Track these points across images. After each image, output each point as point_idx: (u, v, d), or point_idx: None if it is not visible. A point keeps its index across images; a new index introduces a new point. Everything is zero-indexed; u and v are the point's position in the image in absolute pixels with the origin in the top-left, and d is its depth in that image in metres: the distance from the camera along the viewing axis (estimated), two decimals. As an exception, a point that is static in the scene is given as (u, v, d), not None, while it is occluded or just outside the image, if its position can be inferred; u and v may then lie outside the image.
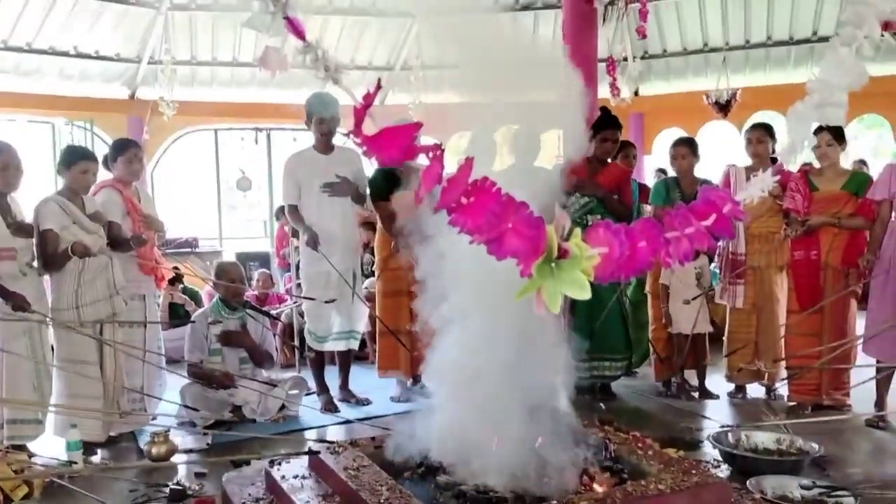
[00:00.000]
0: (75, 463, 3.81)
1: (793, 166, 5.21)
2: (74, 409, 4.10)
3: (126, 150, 4.67)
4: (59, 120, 9.70)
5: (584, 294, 1.71)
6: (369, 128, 1.86)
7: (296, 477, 2.96)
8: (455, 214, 1.75)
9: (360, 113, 1.86)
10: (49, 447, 4.17)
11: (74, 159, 4.31)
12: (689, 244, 1.94)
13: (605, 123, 5.17)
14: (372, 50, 10.43)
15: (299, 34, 2.10)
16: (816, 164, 4.91)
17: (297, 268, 5.69)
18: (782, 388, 5.16)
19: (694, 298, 4.89)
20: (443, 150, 1.75)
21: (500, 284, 2.19)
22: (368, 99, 1.87)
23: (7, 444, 3.94)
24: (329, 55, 2.04)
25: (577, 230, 1.73)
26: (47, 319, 4.10)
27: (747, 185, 2.05)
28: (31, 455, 4.06)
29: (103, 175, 4.72)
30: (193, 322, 5.06)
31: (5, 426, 4.01)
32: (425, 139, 2.75)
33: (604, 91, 8.68)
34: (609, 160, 5.32)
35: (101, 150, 5.27)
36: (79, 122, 9.53)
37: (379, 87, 1.88)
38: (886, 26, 1.96)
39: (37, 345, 4.14)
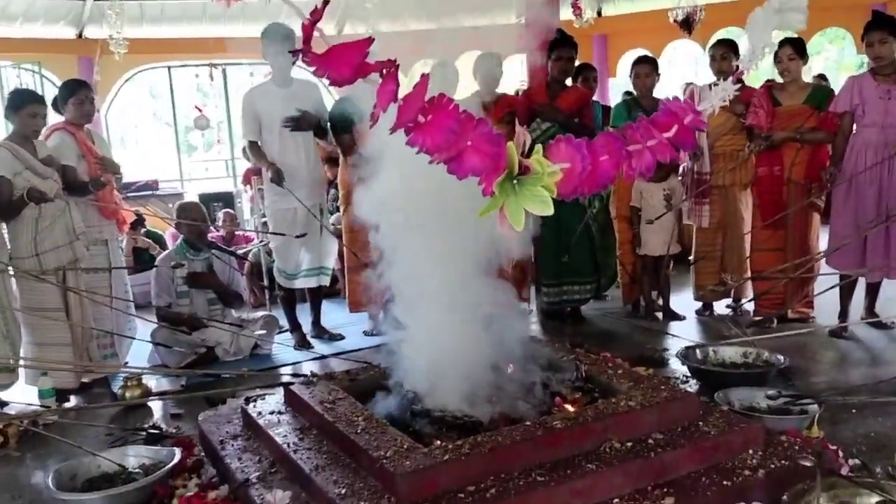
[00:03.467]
0: (48, 407, 3.80)
1: (754, 79, 5.22)
2: (45, 361, 4.06)
3: (76, 92, 4.52)
4: (4, 63, 9.32)
5: (547, 210, 1.70)
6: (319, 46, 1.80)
7: (272, 413, 2.98)
8: (413, 134, 1.71)
9: (308, 29, 1.79)
10: (21, 396, 4.14)
11: (22, 103, 4.16)
12: (651, 156, 1.92)
13: (558, 42, 5.18)
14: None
15: None
16: (779, 80, 4.90)
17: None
18: (748, 304, 5.27)
19: (657, 218, 4.93)
20: (397, 67, 1.70)
21: (458, 203, 2.17)
22: (316, 15, 1.80)
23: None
24: None
25: (539, 146, 1.70)
26: (8, 269, 4.02)
27: (709, 95, 2.03)
28: (3, 404, 4.04)
29: (55, 119, 4.58)
30: (157, 266, 4.99)
31: (-24, 377, 3.98)
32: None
33: (567, 13, 8.53)
34: (568, 82, 5.29)
35: (50, 94, 5.09)
36: (26, 64, 9.16)
37: (326, 2, 1.81)
38: None
39: (2, 293, 4.07)
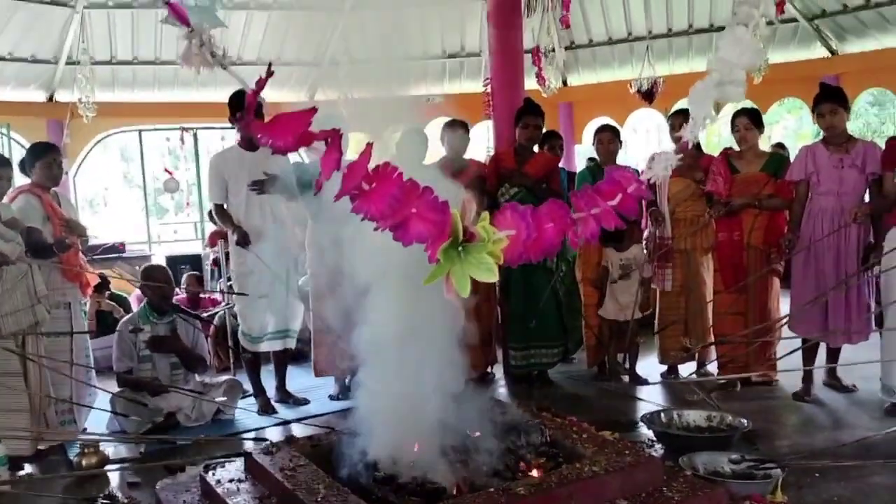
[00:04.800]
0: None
1: (714, 149, 5.38)
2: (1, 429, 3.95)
3: (44, 155, 4.52)
4: (-28, 125, 9.28)
5: (491, 277, 1.73)
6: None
7: (231, 481, 2.92)
8: (357, 201, 1.74)
9: (252, 98, 1.84)
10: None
11: (-14, 165, 4.14)
12: (595, 223, 1.97)
13: (525, 110, 5.35)
14: (299, 45, 10.28)
15: (182, 20, 2.05)
16: (737, 148, 5.06)
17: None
18: (712, 367, 5.31)
19: (612, 282, 5.05)
20: (340, 136, 1.73)
21: (408, 271, 2.20)
22: (260, 84, 1.84)
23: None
24: (214, 41, 1.99)
25: (486, 214, 1.74)
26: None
27: (651, 164, 2.09)
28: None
29: (22, 181, 4.56)
30: (119, 330, 4.92)
31: (-73, 445, 3.84)
32: (356, 136, 2.73)
33: (532, 83, 8.74)
34: (536, 149, 5.42)
35: (18, 156, 5.07)
36: (-6, 126, 9.14)
37: (270, 73, 1.85)
38: (780, 7, 2.02)
39: (-42, 358, 3.98)
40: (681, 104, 8.69)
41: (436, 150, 5.52)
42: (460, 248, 1.70)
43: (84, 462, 3.86)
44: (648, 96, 9.34)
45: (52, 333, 4.35)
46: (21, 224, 4.21)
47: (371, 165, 1.71)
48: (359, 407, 2.87)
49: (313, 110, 1.77)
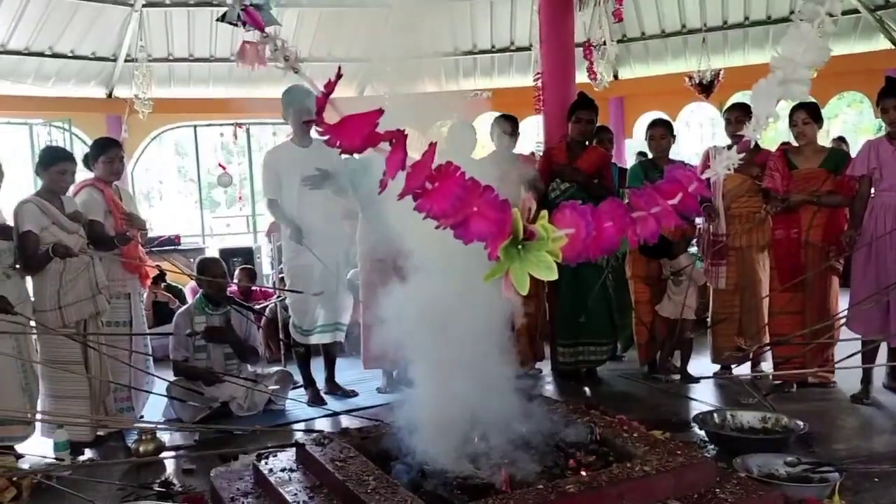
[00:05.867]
0: (62, 460, 3.80)
1: (770, 144, 5.26)
2: (61, 415, 4.08)
3: (107, 150, 4.66)
4: (36, 121, 9.59)
5: (551, 275, 1.72)
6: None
7: (283, 470, 2.96)
8: (420, 200, 1.75)
9: (322, 101, 1.86)
10: (37, 448, 4.15)
11: (52, 160, 4.28)
12: (655, 223, 1.95)
13: (579, 105, 5.31)
14: (350, 41, 10.37)
15: (257, 25, 2.09)
16: (795, 143, 4.94)
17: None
18: (767, 367, 5.21)
19: (663, 279, 4.98)
20: (405, 137, 1.75)
21: (469, 262, 2.20)
22: (329, 87, 1.87)
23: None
24: (288, 45, 2.03)
25: (545, 212, 1.73)
26: (30, 324, 4.09)
27: (713, 163, 2.05)
28: (18, 456, 4.05)
29: (84, 175, 4.70)
30: (176, 320, 5.04)
31: (-6, 428, 4.00)
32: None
33: (583, 77, 8.68)
34: (588, 143, 5.38)
35: (79, 151, 5.23)
36: (56, 122, 9.43)
37: (339, 75, 1.87)
38: None
39: (23, 346, 4.14)
40: (736, 98, 8.58)
41: (485, 146, 5.53)
42: (520, 246, 1.70)
43: (141, 448, 3.98)
44: (706, 89, 9.17)
45: (112, 327, 4.47)
46: (84, 217, 4.35)
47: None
48: (407, 400, 2.89)
49: (380, 111, 1.80)
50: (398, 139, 1.74)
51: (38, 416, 4.14)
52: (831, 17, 1.91)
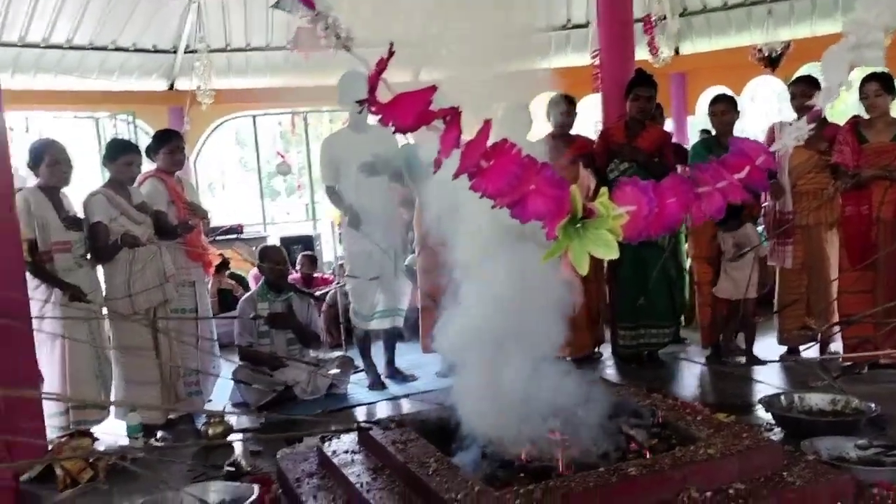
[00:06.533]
0: (136, 438, 3.95)
1: (839, 117, 5.07)
2: (134, 402, 4.23)
3: (169, 142, 4.78)
4: (102, 114, 9.89)
5: (612, 254, 1.69)
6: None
7: (346, 452, 3.01)
8: (476, 179, 1.73)
9: (374, 79, 1.85)
10: (111, 430, 4.31)
11: (118, 152, 4.41)
12: (720, 198, 1.88)
13: (637, 82, 5.20)
14: (406, 23, 10.36)
15: (308, 4, 2.09)
16: (865, 116, 4.75)
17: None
18: (836, 348, 5.05)
19: (730, 259, 4.84)
20: (459, 114, 1.73)
21: (514, 247, 2.18)
22: (381, 65, 1.86)
23: (74, 429, 4.09)
24: (339, 23, 2.02)
25: (604, 189, 1.69)
26: (102, 311, 4.24)
27: (781, 135, 1.97)
28: (94, 439, 4.21)
29: (148, 166, 4.83)
30: (240, 308, 5.15)
31: (71, 411, 4.18)
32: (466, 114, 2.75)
33: (643, 52, 8.50)
34: (647, 122, 5.27)
35: (143, 142, 5.38)
36: (121, 115, 9.70)
37: (391, 53, 1.86)
38: None
39: (96, 333, 4.30)
40: (803, 70, 8.27)
41: (542, 127, 5.47)
42: (579, 225, 1.67)
43: (210, 431, 4.09)
44: (773, 63, 8.85)
45: (180, 312, 4.59)
46: (150, 207, 4.47)
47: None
48: (465, 384, 2.90)
49: (433, 89, 1.78)
50: (452, 117, 1.72)
51: (113, 403, 4.29)
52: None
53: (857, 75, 3.63)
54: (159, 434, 4.37)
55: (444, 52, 2.86)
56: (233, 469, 3.50)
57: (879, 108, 4.62)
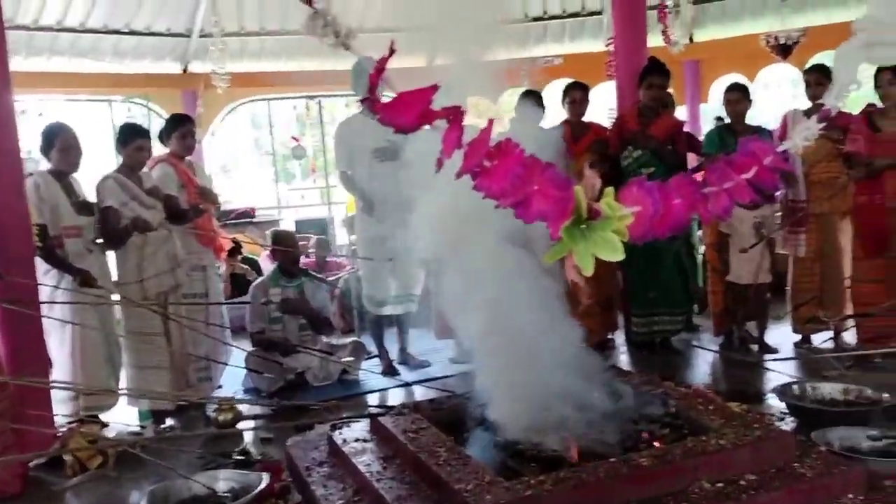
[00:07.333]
0: (145, 427, 3.96)
1: (853, 106, 5.01)
2: (143, 389, 4.25)
3: (180, 126, 4.78)
4: (116, 98, 9.89)
5: (617, 255, 1.68)
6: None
7: (357, 440, 3.01)
8: (479, 179, 1.72)
9: (374, 78, 1.84)
10: (122, 415, 4.34)
11: (129, 137, 4.41)
12: (728, 199, 1.87)
13: (650, 70, 5.18)
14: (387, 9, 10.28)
15: (306, 0, 2.07)
16: (880, 104, 4.69)
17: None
18: (849, 336, 5.02)
19: (751, 247, 4.79)
20: (462, 113, 1.71)
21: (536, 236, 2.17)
22: (382, 63, 1.84)
23: (84, 415, 4.12)
24: (339, 21, 2.00)
25: (610, 189, 1.68)
26: (112, 296, 4.25)
27: (791, 135, 1.95)
28: (104, 425, 4.24)
29: (160, 150, 4.83)
30: (252, 293, 5.16)
31: (81, 397, 4.19)
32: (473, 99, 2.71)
33: (657, 40, 8.41)
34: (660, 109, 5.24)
35: (157, 126, 5.39)
36: (135, 98, 9.70)
37: (392, 51, 1.85)
38: None
39: (106, 318, 4.32)
40: (818, 58, 8.17)
41: (557, 113, 5.45)
42: (584, 226, 1.66)
43: (220, 418, 4.11)
44: (786, 51, 8.76)
45: (191, 297, 4.60)
46: (161, 192, 4.48)
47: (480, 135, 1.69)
48: (476, 372, 2.90)
49: (434, 88, 1.76)
50: (455, 116, 1.71)
51: (122, 390, 4.31)
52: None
53: (869, 72, 3.58)
54: (168, 421, 4.39)
55: (457, 39, 2.84)
56: (242, 457, 3.52)
57: (893, 98, 4.57)
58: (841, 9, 9.28)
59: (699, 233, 5.67)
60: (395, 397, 4.66)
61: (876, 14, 1.86)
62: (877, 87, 4.61)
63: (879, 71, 4.55)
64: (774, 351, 5.06)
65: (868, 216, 4.69)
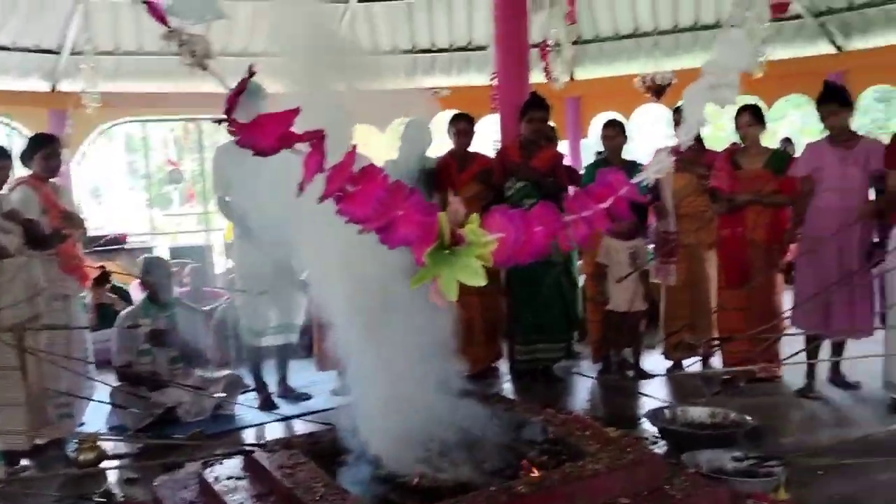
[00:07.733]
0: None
1: (719, 145, 5.33)
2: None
3: (43, 147, 4.51)
4: (-26, 115, 9.26)
5: (479, 280, 1.70)
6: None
7: (230, 478, 2.87)
8: (342, 203, 1.70)
9: (233, 100, 1.80)
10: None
11: (-17, 157, 4.12)
12: (586, 226, 1.94)
13: (530, 105, 5.33)
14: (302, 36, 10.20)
15: (160, 18, 2.01)
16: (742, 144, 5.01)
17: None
18: (717, 362, 5.28)
19: (625, 277, 4.98)
20: (323, 137, 1.70)
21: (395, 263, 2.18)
22: (241, 85, 1.81)
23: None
24: (197, 40, 1.95)
25: (475, 216, 1.71)
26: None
27: (644, 168, 2.07)
28: (-49, 468, 3.88)
29: (22, 172, 4.53)
30: (118, 324, 4.88)
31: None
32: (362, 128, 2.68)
33: (539, 76, 8.69)
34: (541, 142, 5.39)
35: (19, 147, 5.06)
36: (-4, 116, 9.12)
37: (251, 73, 1.82)
38: (776, 9, 2.00)
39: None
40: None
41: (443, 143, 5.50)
42: (448, 252, 1.67)
43: (81, 458, 3.82)
44: (659, 92, 9.27)
45: (51, 327, 4.31)
46: (20, 216, 4.19)
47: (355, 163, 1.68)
48: (355, 404, 2.84)
49: (296, 111, 1.74)
50: (316, 140, 1.68)
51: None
52: (764, 23, 1.95)
53: (732, 106, 3.87)
54: (24, 462, 4.06)
55: (345, 66, 2.81)
56: (104, 499, 3.29)
57: (750, 138, 4.90)
58: (706, 54, 9.89)
59: (579, 263, 5.83)
60: (274, 432, 4.50)
61: (719, 58, 2.00)
62: (737, 128, 4.92)
63: (739, 113, 4.87)
64: (649, 377, 5.24)
65: (730, 248, 4.96)
